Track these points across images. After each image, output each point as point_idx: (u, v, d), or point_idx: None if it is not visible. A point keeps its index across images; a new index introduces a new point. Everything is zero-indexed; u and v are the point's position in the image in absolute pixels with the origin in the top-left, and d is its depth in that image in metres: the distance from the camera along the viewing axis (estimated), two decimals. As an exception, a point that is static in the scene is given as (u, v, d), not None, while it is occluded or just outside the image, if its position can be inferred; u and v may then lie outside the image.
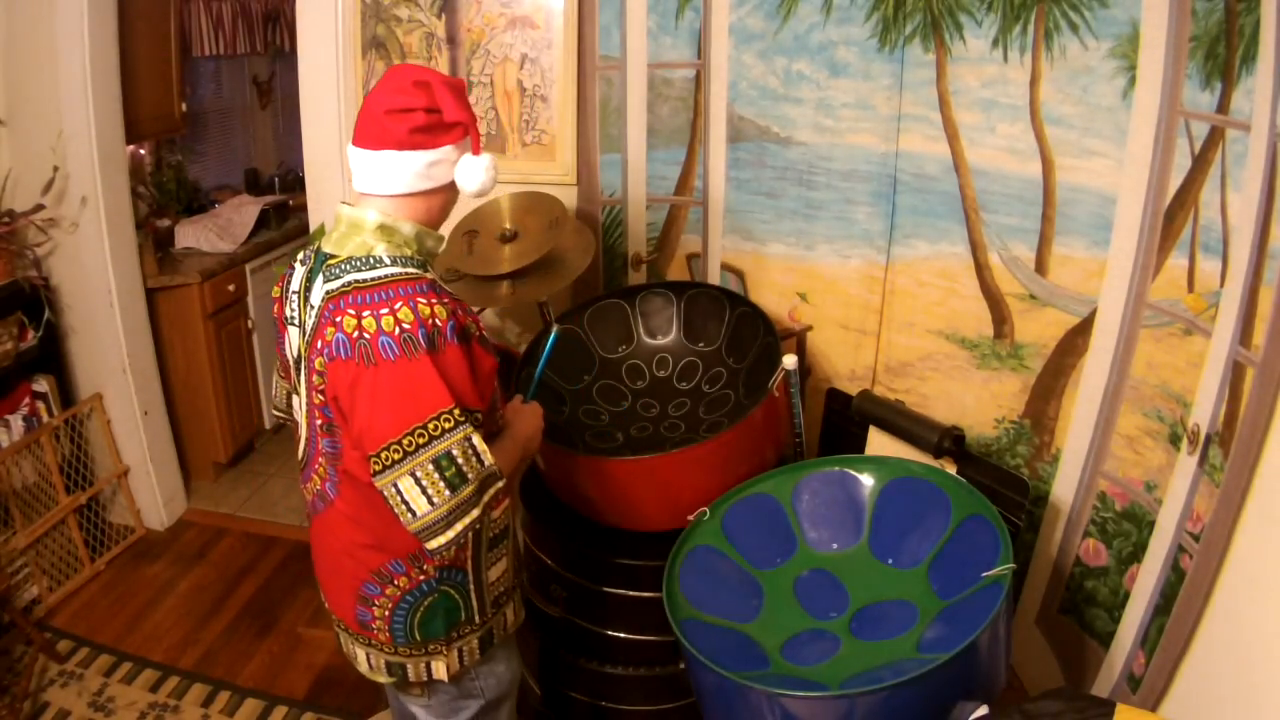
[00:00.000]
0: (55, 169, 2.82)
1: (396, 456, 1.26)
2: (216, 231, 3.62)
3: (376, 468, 1.28)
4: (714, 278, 2.56)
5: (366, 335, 1.27)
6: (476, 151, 1.41)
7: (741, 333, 2.19)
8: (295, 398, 1.51)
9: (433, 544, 1.30)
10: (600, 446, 2.08)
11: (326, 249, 1.41)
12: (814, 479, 1.84)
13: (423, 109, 1.35)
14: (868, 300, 2.35)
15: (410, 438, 1.26)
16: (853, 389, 2.24)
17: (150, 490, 3.30)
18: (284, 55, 4.53)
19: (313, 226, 2.61)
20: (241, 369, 3.67)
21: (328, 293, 1.34)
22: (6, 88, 2.83)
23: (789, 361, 1.92)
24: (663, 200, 2.55)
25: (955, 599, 1.56)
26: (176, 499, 3.43)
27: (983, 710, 1.33)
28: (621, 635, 1.97)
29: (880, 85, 2.17)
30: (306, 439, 1.48)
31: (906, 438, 2.00)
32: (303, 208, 3.19)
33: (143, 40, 3.21)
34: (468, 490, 1.29)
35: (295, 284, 1.46)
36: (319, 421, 1.40)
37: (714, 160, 2.45)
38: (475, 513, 1.31)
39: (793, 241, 2.41)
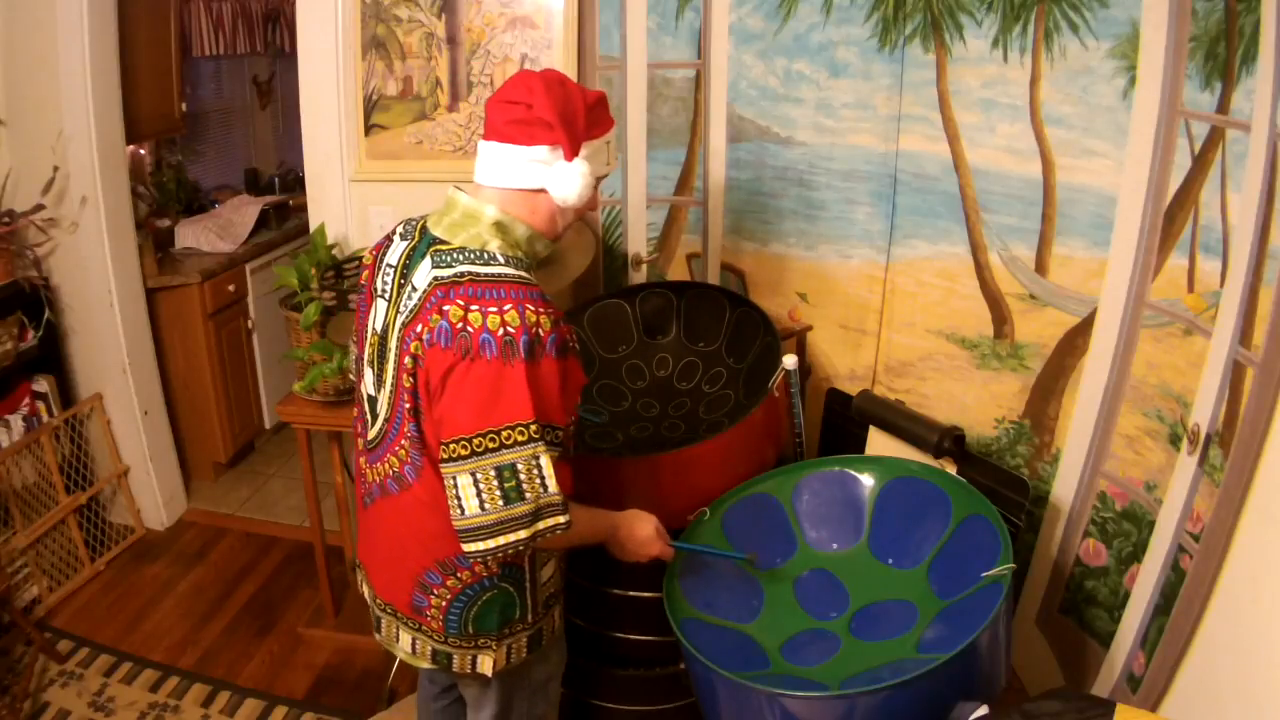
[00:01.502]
0: (55, 169, 2.82)
1: (463, 452, 1.28)
2: (216, 231, 3.63)
3: (443, 455, 1.30)
4: (714, 278, 2.56)
5: (470, 329, 1.27)
6: (568, 157, 1.35)
7: (741, 333, 2.19)
8: (369, 372, 1.47)
9: (470, 548, 1.30)
10: (600, 446, 2.08)
11: (436, 232, 1.39)
12: (814, 479, 1.84)
13: (523, 103, 1.33)
14: (868, 300, 2.35)
15: (481, 438, 1.27)
16: (853, 389, 2.24)
17: (150, 490, 3.30)
18: (284, 55, 4.53)
19: (313, 226, 2.61)
20: (241, 369, 3.67)
21: (436, 279, 1.32)
22: (6, 88, 2.83)
23: (789, 361, 1.92)
24: (663, 200, 2.55)
25: (955, 599, 1.56)
26: (176, 499, 3.43)
27: (983, 710, 1.33)
28: (621, 635, 1.97)
29: (880, 85, 2.17)
30: (387, 420, 1.43)
31: (906, 438, 2.00)
32: (303, 208, 3.19)
33: (143, 40, 3.21)
34: (522, 509, 1.29)
35: (393, 258, 1.43)
36: (408, 405, 1.37)
37: (714, 160, 2.45)
38: (523, 534, 1.30)
39: (793, 241, 2.42)
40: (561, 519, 1.33)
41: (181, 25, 3.60)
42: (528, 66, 2.43)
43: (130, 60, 3.01)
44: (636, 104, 2.47)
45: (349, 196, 2.64)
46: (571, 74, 2.42)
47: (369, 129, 2.58)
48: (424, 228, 1.42)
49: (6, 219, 2.81)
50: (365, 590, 1.63)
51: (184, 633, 2.79)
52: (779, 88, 2.30)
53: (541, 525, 1.31)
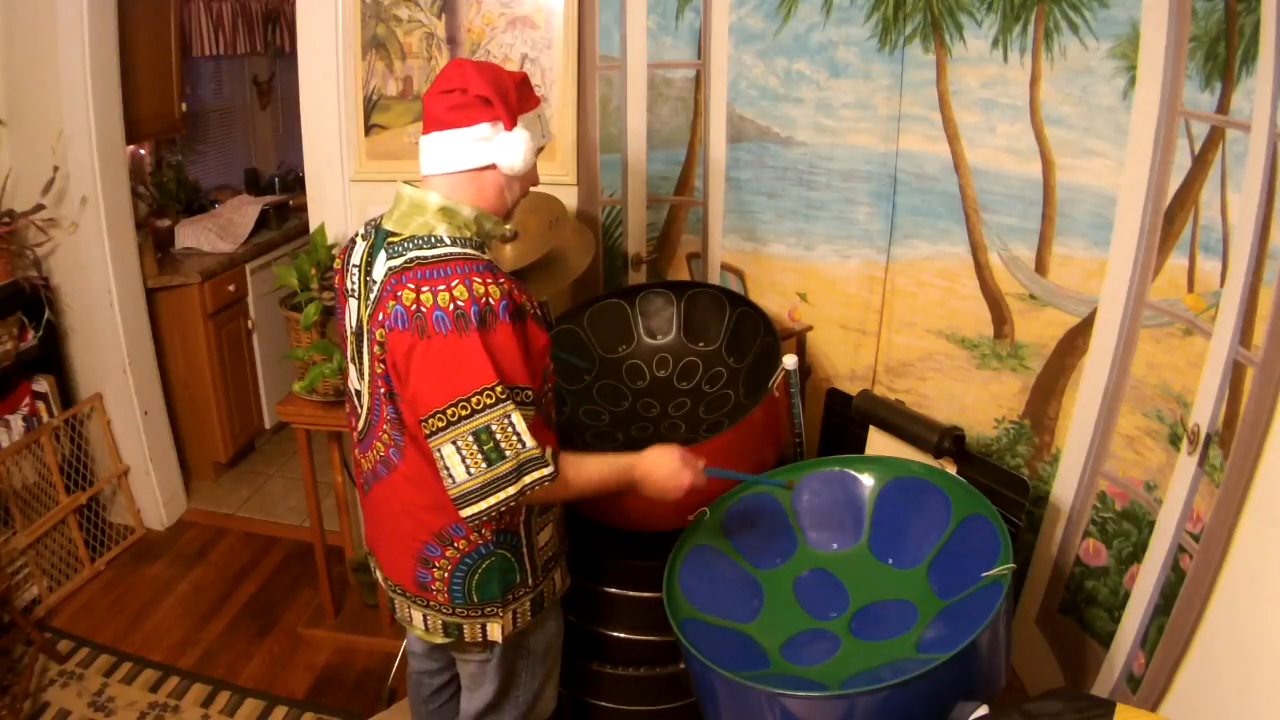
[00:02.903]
0: (55, 169, 2.82)
1: (440, 425, 1.35)
2: (216, 231, 3.63)
3: (425, 431, 1.37)
4: (714, 278, 2.56)
5: (423, 309, 1.34)
6: (509, 127, 1.44)
7: (741, 333, 2.19)
8: (353, 368, 1.56)
9: (466, 512, 1.38)
10: (600, 446, 2.08)
11: (388, 226, 1.47)
12: (814, 479, 1.84)
13: (457, 89, 1.42)
14: (868, 300, 2.35)
15: (454, 408, 1.34)
16: (853, 389, 2.24)
17: (150, 490, 3.30)
18: (284, 55, 4.53)
19: (313, 226, 2.61)
20: (241, 369, 3.67)
21: (390, 268, 1.40)
22: (6, 88, 2.83)
23: (789, 361, 1.92)
24: (663, 200, 2.55)
25: (955, 599, 1.56)
26: (176, 499, 3.43)
27: (983, 710, 1.33)
28: (621, 635, 1.97)
29: (880, 85, 2.17)
30: (369, 408, 1.52)
31: (906, 438, 2.00)
32: (303, 208, 3.19)
33: (143, 40, 3.21)
34: (504, 467, 1.36)
35: (356, 258, 1.52)
36: (383, 390, 1.45)
37: (714, 160, 2.44)
38: (511, 490, 1.37)
39: (793, 241, 2.41)
40: (545, 471, 1.39)
41: (181, 25, 3.60)
42: (527, 67, 2.43)
43: (130, 60, 3.01)
44: (636, 104, 2.47)
45: (349, 196, 2.64)
46: (571, 74, 2.42)
47: (369, 129, 2.58)
48: (379, 225, 1.50)
49: (6, 219, 2.81)
50: (379, 576, 1.70)
51: (184, 633, 2.79)
52: (779, 88, 2.30)
53: (528, 480, 1.38)
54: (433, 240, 1.42)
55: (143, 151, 3.74)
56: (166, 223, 3.64)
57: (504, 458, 1.36)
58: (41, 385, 3.02)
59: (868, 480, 1.80)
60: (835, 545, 1.79)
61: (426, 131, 1.47)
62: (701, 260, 2.57)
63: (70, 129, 2.81)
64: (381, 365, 1.43)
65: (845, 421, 2.20)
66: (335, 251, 2.57)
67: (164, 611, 2.90)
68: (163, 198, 3.80)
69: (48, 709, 2.45)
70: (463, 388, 1.33)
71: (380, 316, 1.40)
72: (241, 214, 3.82)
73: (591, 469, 1.50)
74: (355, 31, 2.52)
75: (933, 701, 1.33)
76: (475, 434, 1.34)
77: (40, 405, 3.02)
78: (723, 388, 2.18)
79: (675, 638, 1.53)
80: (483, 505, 1.37)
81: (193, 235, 3.58)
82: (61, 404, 3.09)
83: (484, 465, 1.35)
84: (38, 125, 2.82)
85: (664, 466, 1.55)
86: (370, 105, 2.56)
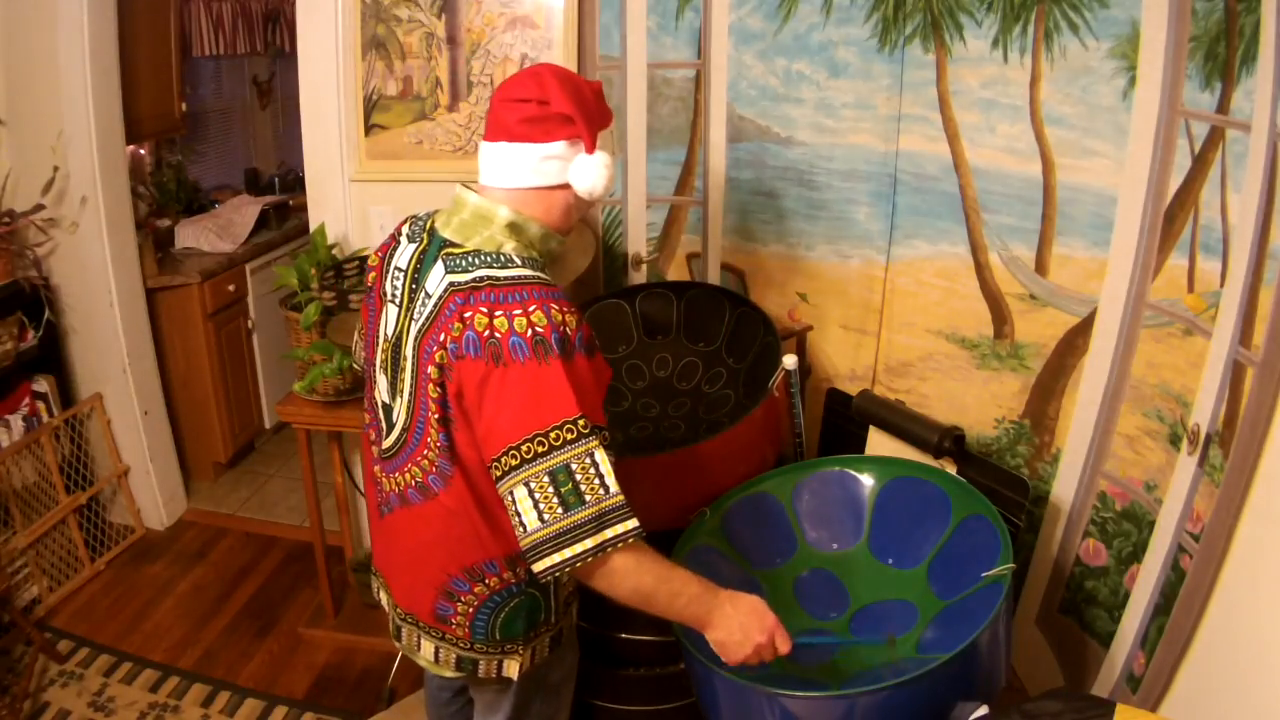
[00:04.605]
0: (55, 169, 2.82)
1: (514, 463, 1.20)
2: (216, 231, 3.63)
3: (496, 473, 1.22)
4: (714, 278, 2.56)
5: (498, 335, 1.21)
6: (590, 150, 1.32)
7: (741, 333, 2.19)
8: (383, 378, 1.43)
9: (538, 566, 1.20)
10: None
11: (446, 234, 1.34)
12: (814, 479, 1.84)
13: (535, 100, 1.29)
14: (868, 300, 2.35)
15: (529, 444, 1.19)
16: (853, 389, 2.24)
17: (150, 490, 3.30)
18: (284, 55, 4.53)
19: (313, 226, 2.61)
20: (241, 369, 3.67)
21: (453, 284, 1.27)
22: (6, 88, 2.83)
23: (789, 361, 1.93)
24: (663, 200, 2.55)
25: (955, 599, 1.56)
26: (176, 499, 3.43)
27: (983, 710, 1.33)
28: (622, 635, 1.97)
29: (880, 85, 2.17)
30: (406, 429, 1.37)
31: (906, 438, 2.00)
32: (303, 208, 3.19)
33: (143, 40, 3.21)
34: (583, 514, 1.18)
35: (402, 261, 1.39)
36: (435, 415, 1.30)
37: (714, 160, 2.45)
38: (589, 544, 1.18)
39: (793, 241, 2.41)
40: (630, 524, 1.20)
41: (181, 25, 3.61)
42: (527, 67, 2.43)
43: (130, 60, 3.01)
44: (636, 104, 2.47)
45: (349, 196, 2.64)
46: (571, 74, 2.41)
47: (369, 129, 2.58)
48: (432, 229, 1.38)
49: (6, 219, 2.81)
50: (384, 598, 1.59)
51: (184, 633, 2.79)
52: (779, 88, 2.30)
53: (609, 534, 1.19)
54: (502, 259, 1.29)
55: (143, 151, 3.74)
56: (166, 223, 3.65)
57: (583, 503, 1.18)
58: (41, 385, 3.02)
59: (868, 480, 1.81)
60: (835, 545, 1.79)
61: (492, 139, 1.33)
62: (701, 260, 2.57)
63: (70, 129, 2.81)
64: (438, 390, 1.28)
65: (845, 421, 2.20)
66: (335, 251, 2.57)
67: (164, 611, 2.90)
68: (163, 198, 3.80)
69: (48, 709, 2.45)
70: (541, 421, 1.19)
71: (442, 337, 1.26)
72: (241, 214, 3.82)
73: (678, 572, 1.29)
74: (355, 31, 2.52)
75: (933, 701, 1.33)
76: (551, 474, 1.18)
77: (40, 405, 3.02)
78: (723, 388, 2.18)
79: (675, 638, 1.53)
80: (556, 559, 1.18)
81: (193, 235, 3.58)
82: (61, 404, 3.09)
83: (559, 511, 1.17)
84: (38, 125, 2.82)
85: (743, 626, 1.32)
86: (370, 105, 2.56)
